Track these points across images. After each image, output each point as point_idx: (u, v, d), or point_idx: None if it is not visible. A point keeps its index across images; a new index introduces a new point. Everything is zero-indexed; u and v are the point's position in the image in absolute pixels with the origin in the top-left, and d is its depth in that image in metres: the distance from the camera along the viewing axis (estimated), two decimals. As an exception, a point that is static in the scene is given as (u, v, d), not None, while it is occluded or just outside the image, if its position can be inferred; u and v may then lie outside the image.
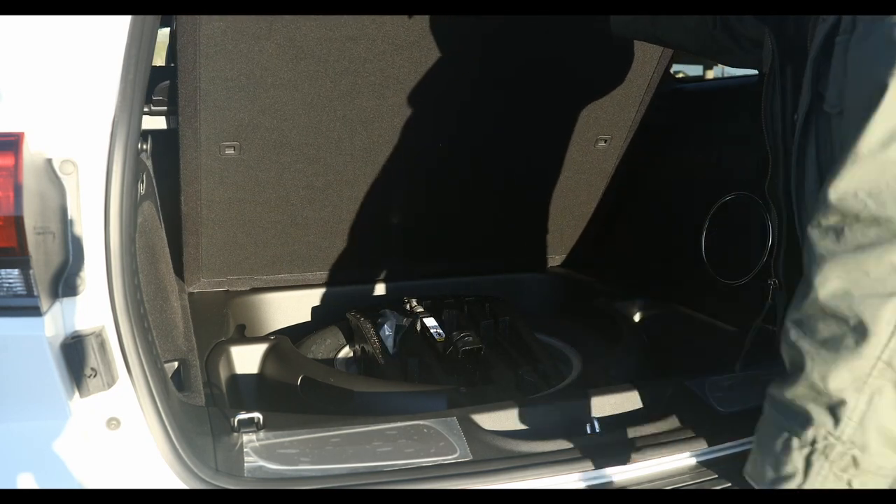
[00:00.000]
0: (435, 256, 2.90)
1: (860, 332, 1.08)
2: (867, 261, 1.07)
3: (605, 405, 1.87)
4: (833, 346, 1.11)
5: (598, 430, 1.75)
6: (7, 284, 1.30)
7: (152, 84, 2.36)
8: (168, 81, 2.38)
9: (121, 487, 1.42)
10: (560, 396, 1.90)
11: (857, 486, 1.14)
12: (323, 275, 2.87)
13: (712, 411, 1.84)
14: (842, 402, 1.11)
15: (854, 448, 1.12)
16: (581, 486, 1.63)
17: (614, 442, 1.72)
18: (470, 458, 1.63)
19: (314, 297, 2.86)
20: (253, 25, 2.05)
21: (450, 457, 1.63)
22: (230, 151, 2.33)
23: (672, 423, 1.80)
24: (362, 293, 2.90)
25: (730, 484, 1.67)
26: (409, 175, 2.59)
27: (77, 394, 1.37)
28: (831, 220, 1.11)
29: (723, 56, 1.95)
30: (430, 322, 2.54)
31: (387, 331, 2.49)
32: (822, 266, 1.11)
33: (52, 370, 1.34)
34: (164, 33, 2.49)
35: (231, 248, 2.63)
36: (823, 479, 1.13)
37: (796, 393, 1.16)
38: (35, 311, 1.31)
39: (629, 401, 1.90)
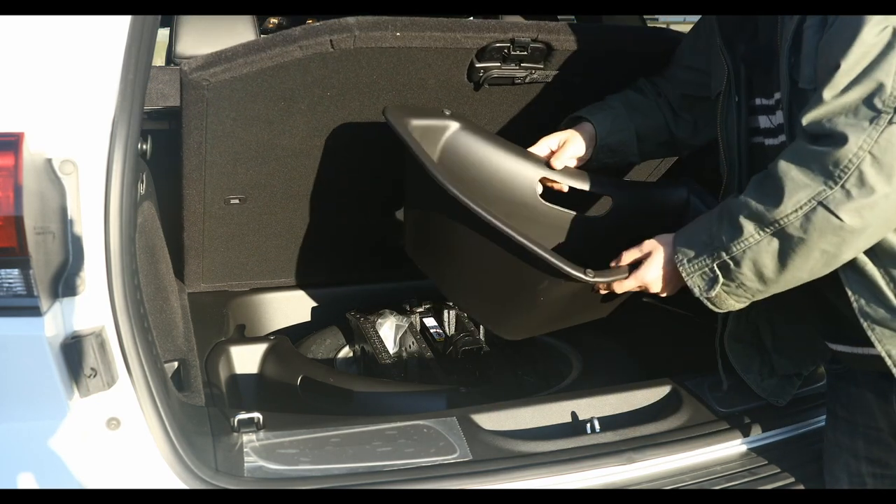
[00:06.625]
0: None
1: None
2: None
3: (605, 405, 1.87)
4: None
5: (598, 430, 1.75)
6: (7, 284, 1.30)
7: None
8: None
9: (121, 487, 1.42)
10: (560, 396, 1.89)
11: None
12: (323, 276, 2.86)
13: (712, 411, 1.84)
14: None
15: None
16: (581, 486, 1.63)
17: (614, 442, 1.72)
18: (470, 458, 1.63)
19: (314, 297, 2.86)
20: (266, 112, 1.97)
21: (450, 457, 1.63)
22: (235, 202, 2.31)
23: (672, 423, 1.80)
24: (362, 293, 2.89)
25: (729, 484, 1.67)
26: None
27: (77, 394, 1.37)
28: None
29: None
30: (430, 322, 2.53)
31: (387, 331, 2.48)
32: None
33: (52, 370, 1.34)
34: (164, 33, 2.48)
35: (233, 266, 2.63)
36: None
37: None
38: (35, 311, 1.31)
39: (629, 401, 1.90)
